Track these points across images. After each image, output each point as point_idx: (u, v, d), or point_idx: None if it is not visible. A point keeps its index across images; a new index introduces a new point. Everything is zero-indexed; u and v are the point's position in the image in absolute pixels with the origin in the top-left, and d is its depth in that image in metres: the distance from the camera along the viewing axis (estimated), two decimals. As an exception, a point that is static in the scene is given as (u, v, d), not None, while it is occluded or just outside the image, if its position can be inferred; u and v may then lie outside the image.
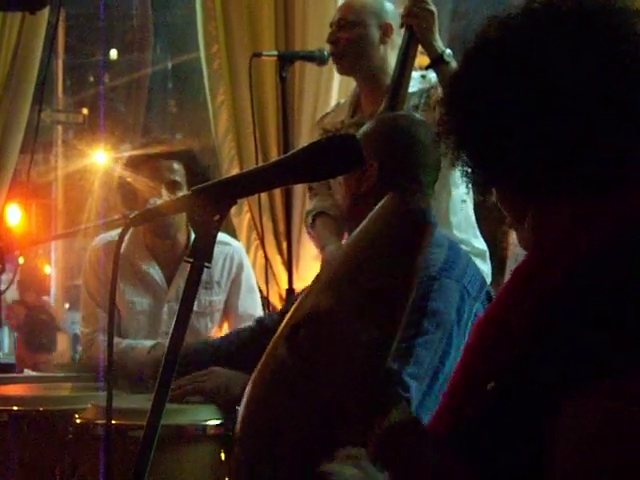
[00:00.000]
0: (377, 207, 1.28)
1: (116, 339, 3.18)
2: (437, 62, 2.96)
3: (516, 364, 1.14)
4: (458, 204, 3.19)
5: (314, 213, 3.41)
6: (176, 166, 3.18)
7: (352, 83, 4.01)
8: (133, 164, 3.19)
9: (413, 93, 3.16)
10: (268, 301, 3.96)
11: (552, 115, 1.17)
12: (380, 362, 1.17)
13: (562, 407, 1.06)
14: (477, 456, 1.15)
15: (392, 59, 3.20)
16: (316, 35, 4.23)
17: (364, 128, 2.42)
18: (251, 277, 3.43)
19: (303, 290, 1.30)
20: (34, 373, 3.71)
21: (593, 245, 1.15)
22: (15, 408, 2.37)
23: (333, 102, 4.25)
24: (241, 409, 1.26)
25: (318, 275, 1.39)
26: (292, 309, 1.30)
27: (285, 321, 1.27)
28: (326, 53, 3.56)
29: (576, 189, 1.19)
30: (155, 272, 3.29)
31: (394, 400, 1.17)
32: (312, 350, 1.17)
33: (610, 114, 1.17)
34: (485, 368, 1.21)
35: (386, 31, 3.26)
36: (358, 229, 1.28)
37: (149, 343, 3.16)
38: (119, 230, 3.06)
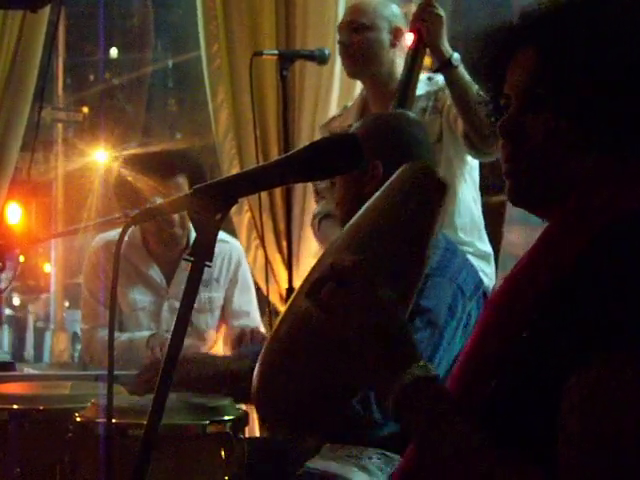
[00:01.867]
0: (393, 176, 1.36)
1: (115, 333, 3.20)
2: (445, 66, 2.98)
3: (539, 327, 1.16)
4: (464, 206, 3.20)
5: (321, 216, 3.42)
6: (181, 180, 3.19)
7: (353, 83, 4.02)
8: (135, 167, 3.20)
9: (420, 96, 3.17)
10: (269, 300, 3.96)
11: None
12: (397, 320, 1.19)
13: (573, 374, 1.09)
14: (497, 420, 1.16)
15: (400, 63, 3.20)
16: (317, 34, 4.24)
17: (356, 128, 2.42)
18: (248, 275, 3.46)
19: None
20: (34, 371, 3.71)
21: (622, 216, 1.18)
22: (15, 407, 2.36)
23: (333, 101, 4.25)
24: (260, 363, 1.29)
25: (332, 242, 1.42)
26: (310, 271, 1.34)
27: (304, 281, 1.30)
28: (327, 52, 3.56)
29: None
30: (154, 272, 3.31)
31: (414, 357, 1.18)
32: (336, 302, 1.18)
33: None
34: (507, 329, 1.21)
35: (397, 35, 3.27)
36: (375, 195, 1.33)
37: (147, 333, 3.19)
38: (118, 230, 3.08)
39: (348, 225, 1.36)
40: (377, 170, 2.28)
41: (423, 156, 2.36)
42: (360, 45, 3.26)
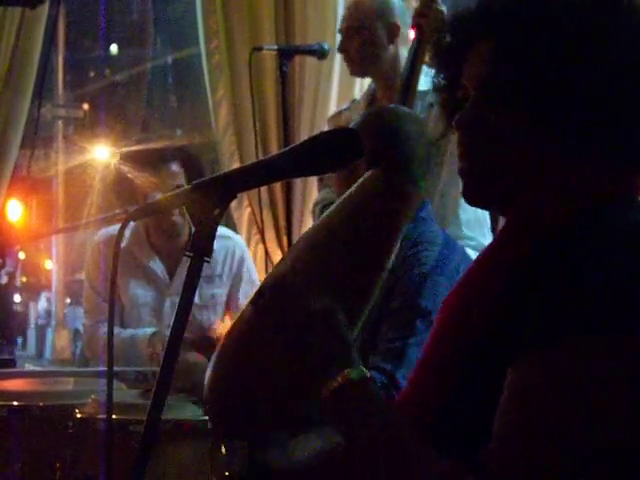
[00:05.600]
0: (357, 182, 1.40)
1: (117, 329, 3.20)
2: None
3: (485, 330, 1.16)
4: None
5: (322, 205, 3.41)
6: (175, 168, 3.19)
7: (353, 78, 4.01)
8: (132, 163, 3.20)
9: (427, 91, 3.15)
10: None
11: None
12: (326, 329, 1.20)
13: (513, 364, 1.10)
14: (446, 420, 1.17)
15: (404, 54, 3.19)
16: (316, 29, 4.23)
17: (352, 124, 2.41)
18: (252, 270, 3.45)
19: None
20: (35, 368, 3.72)
21: (561, 217, 1.18)
22: (15, 403, 2.36)
23: (333, 96, 4.25)
24: (211, 367, 1.31)
25: (301, 238, 1.46)
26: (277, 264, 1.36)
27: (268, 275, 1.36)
28: (326, 47, 3.55)
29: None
30: (157, 266, 3.31)
31: (349, 362, 1.19)
32: (271, 313, 1.22)
33: None
34: (456, 340, 1.23)
35: (393, 31, 3.25)
36: (338, 202, 1.36)
37: (150, 330, 3.18)
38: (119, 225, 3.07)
39: (312, 226, 1.38)
40: (362, 169, 2.26)
41: (414, 150, 2.33)
42: (357, 49, 3.26)
